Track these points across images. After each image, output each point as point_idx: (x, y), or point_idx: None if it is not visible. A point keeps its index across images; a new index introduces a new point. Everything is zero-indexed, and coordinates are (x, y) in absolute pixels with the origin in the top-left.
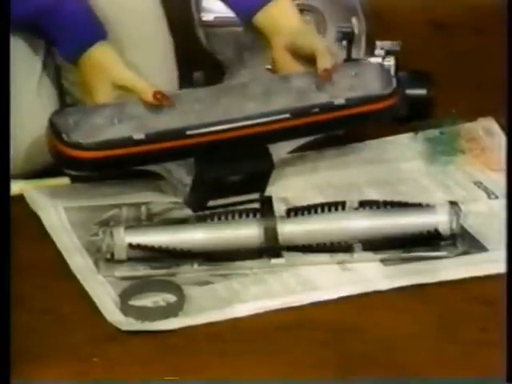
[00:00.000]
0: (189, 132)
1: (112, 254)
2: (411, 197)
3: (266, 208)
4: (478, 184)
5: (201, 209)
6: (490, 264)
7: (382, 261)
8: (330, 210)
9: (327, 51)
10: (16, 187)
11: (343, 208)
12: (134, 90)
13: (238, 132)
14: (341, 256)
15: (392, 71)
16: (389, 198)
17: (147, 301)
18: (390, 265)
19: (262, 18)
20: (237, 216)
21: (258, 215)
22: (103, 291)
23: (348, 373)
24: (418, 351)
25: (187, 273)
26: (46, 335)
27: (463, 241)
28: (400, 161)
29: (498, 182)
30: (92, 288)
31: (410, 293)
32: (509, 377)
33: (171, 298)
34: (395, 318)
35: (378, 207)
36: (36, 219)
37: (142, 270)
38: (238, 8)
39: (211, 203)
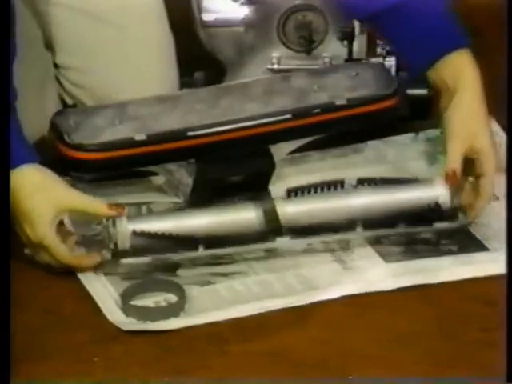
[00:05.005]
0: (190, 133)
1: (115, 244)
2: None
3: (263, 189)
4: None
5: None
6: (491, 264)
7: (383, 257)
8: (329, 188)
9: (461, 144)
10: None
11: (342, 186)
12: (88, 212)
13: (239, 133)
14: (341, 253)
15: (393, 71)
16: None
17: (148, 301)
18: (391, 262)
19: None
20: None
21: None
22: (104, 291)
23: (348, 373)
24: (418, 351)
25: (192, 257)
26: (47, 335)
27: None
28: (401, 161)
29: (499, 182)
30: (93, 288)
31: (410, 292)
32: (509, 377)
33: (172, 298)
34: (395, 317)
35: (376, 184)
36: None
37: (147, 257)
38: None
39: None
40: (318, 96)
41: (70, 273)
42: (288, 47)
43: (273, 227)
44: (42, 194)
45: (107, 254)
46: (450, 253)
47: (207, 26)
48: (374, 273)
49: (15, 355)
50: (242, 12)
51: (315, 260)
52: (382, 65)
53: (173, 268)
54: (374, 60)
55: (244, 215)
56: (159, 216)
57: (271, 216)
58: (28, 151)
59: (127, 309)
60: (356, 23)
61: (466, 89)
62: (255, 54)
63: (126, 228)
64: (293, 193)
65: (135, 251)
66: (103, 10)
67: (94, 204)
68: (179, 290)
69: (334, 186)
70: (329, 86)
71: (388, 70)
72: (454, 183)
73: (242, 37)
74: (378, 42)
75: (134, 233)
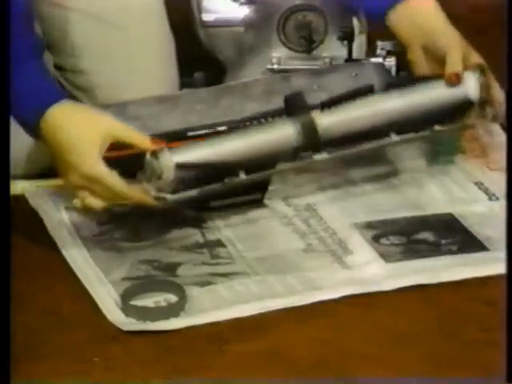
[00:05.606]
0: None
1: (160, 177)
2: (412, 196)
3: (298, 104)
4: (479, 184)
5: (202, 209)
6: (491, 264)
7: (383, 257)
8: (360, 95)
9: (460, 52)
10: (17, 187)
11: (372, 91)
12: (131, 142)
13: None
14: (341, 253)
15: (393, 71)
16: (389, 198)
17: (148, 301)
18: (391, 262)
19: (396, 16)
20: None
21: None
22: (104, 291)
23: (348, 373)
24: (418, 351)
25: (236, 184)
26: (47, 335)
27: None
28: (401, 161)
29: (499, 182)
30: (93, 288)
31: (410, 292)
32: (509, 377)
33: (172, 298)
34: (395, 317)
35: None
36: (37, 219)
37: (192, 191)
38: (369, 8)
39: (213, 204)
40: (317, 96)
41: (70, 273)
42: (288, 47)
43: (311, 141)
44: (87, 123)
45: (152, 188)
46: (450, 253)
47: (207, 26)
48: (374, 273)
49: (15, 355)
50: (242, 12)
51: (315, 260)
52: (382, 65)
53: (173, 268)
54: (373, 60)
55: (282, 132)
56: (200, 144)
57: (309, 129)
58: (62, 90)
59: (127, 309)
60: (356, 23)
61: (445, 24)
62: (255, 54)
63: (170, 159)
64: (326, 106)
65: (179, 186)
66: (108, 12)
67: (138, 136)
68: (179, 290)
69: (364, 93)
70: (329, 86)
71: (388, 70)
72: (457, 84)
73: (242, 37)
74: (377, 42)
75: (178, 165)
